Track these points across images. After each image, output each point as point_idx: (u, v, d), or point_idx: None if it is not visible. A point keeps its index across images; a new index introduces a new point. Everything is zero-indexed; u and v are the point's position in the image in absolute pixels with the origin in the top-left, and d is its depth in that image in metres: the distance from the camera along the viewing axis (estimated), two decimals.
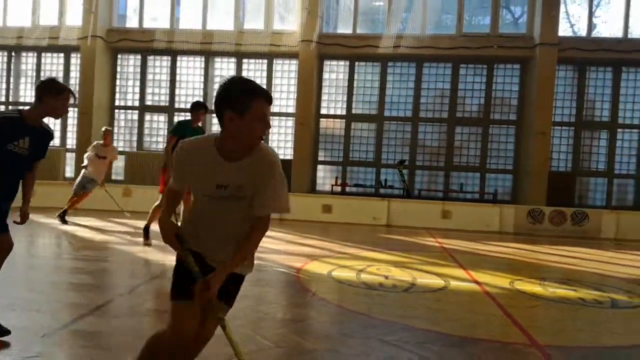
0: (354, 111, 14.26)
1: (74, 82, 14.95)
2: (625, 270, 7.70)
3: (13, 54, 15.19)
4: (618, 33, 13.08)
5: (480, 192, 13.35)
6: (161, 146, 14.54)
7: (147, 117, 14.89)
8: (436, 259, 7.37)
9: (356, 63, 14.23)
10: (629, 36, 13.03)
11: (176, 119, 14.55)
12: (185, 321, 2.42)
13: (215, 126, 14.60)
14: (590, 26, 13.37)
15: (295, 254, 7.32)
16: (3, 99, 15.33)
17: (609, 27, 13.57)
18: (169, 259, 6.51)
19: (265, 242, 8.02)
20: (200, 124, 7.39)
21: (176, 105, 14.67)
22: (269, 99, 2.35)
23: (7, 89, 15.31)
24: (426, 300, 5.28)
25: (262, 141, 2.40)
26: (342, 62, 14.33)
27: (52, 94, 3.56)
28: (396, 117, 14.09)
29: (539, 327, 4.73)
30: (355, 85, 14.26)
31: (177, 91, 14.71)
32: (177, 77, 14.72)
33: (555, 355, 3.87)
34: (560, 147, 13.28)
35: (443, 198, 12.87)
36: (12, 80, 15.32)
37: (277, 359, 3.54)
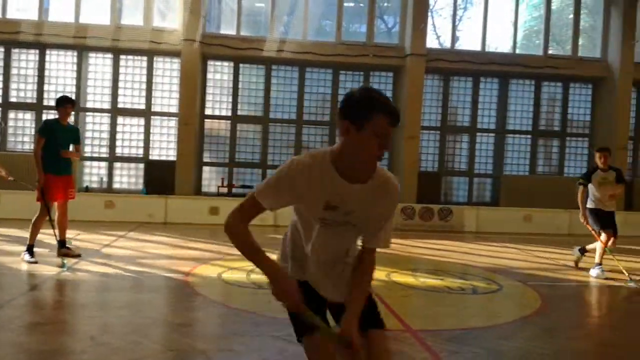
0: (239, 112, 14.34)
1: None
2: (484, 260, 8.75)
3: None
4: (477, 46, 14.65)
5: None
6: (27, 147, 13.44)
7: (12, 114, 13.65)
8: None
9: (241, 65, 14.32)
10: (486, 49, 14.66)
11: (45, 117, 13.55)
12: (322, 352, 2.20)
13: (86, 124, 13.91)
14: (454, 39, 14.82)
15: (183, 258, 7.30)
16: None
17: (470, 40, 15.15)
18: (47, 269, 6.19)
19: (149, 248, 7.93)
20: (70, 121, 7.02)
21: (45, 103, 13.60)
22: (393, 118, 2.08)
23: None
24: None
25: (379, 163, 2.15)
26: (226, 63, 14.33)
27: None
28: (281, 119, 14.43)
29: (412, 314, 5.31)
30: (240, 86, 14.34)
31: (46, 87, 13.66)
32: (47, 73, 13.68)
33: (427, 338, 4.41)
34: (428, 150, 14.58)
35: None
36: None
37: None
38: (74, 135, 7.11)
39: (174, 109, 14.02)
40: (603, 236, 7.42)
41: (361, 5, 14.75)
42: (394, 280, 6.66)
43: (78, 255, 6.92)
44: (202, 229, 9.97)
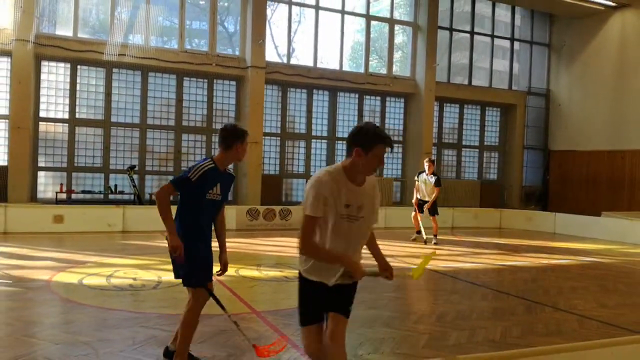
0: (77, 115, 14.04)
1: None
2: None
3: None
4: (310, 62, 16.34)
5: None
6: None
7: None
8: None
9: (79, 67, 14.02)
10: (318, 65, 16.43)
11: None
12: (314, 342, 3.23)
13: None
14: (290, 52, 16.32)
15: (37, 268, 7.40)
16: None
17: (304, 54, 16.78)
18: None
19: None
20: None
21: None
22: (389, 145, 3.08)
23: None
24: (173, 293, 6.41)
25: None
26: (62, 65, 13.91)
27: (240, 140, 3.94)
28: (123, 123, 14.46)
29: (257, 300, 6.42)
30: (78, 89, 14.04)
31: None
32: None
33: (267, 316, 5.55)
34: (270, 154, 15.91)
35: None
36: None
37: (59, 354, 4.21)
38: None
39: (4, 111, 13.23)
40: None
41: (203, 15, 15.48)
42: (242, 274, 7.69)
43: None
44: (47, 238, 9.82)
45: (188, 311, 3.95)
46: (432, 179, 11.45)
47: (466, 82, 18.71)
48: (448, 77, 18.21)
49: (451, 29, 18.29)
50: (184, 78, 15.03)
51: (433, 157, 13.16)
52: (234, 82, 15.58)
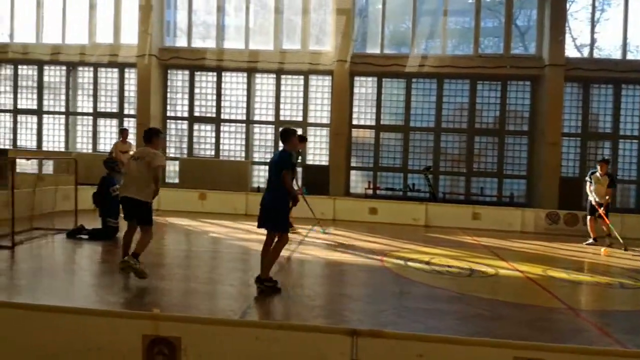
0: (382, 122, 15.93)
1: (128, 95, 16.58)
2: (632, 263, 9.39)
3: (71, 69, 16.75)
4: (617, 53, 14.81)
5: (498, 195, 15.10)
6: (209, 153, 16.22)
7: (196, 126, 16.49)
8: (479, 253, 8.99)
9: (383, 79, 15.89)
10: (627, 57, 14.77)
11: (223, 129, 16.24)
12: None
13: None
14: (592, 45, 15.09)
15: (368, 249, 8.94)
16: (63, 109, 16.89)
17: (609, 45, 15.27)
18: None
19: (349, 239, 9.48)
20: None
21: (222, 117, 16.29)
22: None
23: (67, 101, 16.87)
24: (486, 282, 6.97)
25: None
26: (370, 79, 15.99)
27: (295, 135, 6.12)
28: (420, 127, 15.77)
29: (569, 297, 6.45)
30: (383, 99, 15.93)
31: (222, 104, 16.33)
32: (222, 92, 16.33)
33: (584, 315, 5.59)
34: (568, 156, 15.06)
35: (465, 201, 14.61)
36: (70, 93, 16.88)
37: (399, 318, 5.20)
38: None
39: (326, 120, 15.99)
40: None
41: (497, 18, 15.65)
42: (550, 275, 7.73)
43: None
44: (364, 226, 11.62)
45: (277, 248, 5.86)
46: (606, 179, 10.65)
47: None
48: None
49: None
50: (478, 82, 15.48)
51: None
52: (528, 83, 15.29)
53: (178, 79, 16.53)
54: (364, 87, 16.07)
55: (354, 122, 16.00)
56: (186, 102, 16.45)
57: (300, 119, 16.07)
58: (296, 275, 7.10)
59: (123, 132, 12.62)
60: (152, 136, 6.60)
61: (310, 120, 16.12)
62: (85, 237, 8.76)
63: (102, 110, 16.79)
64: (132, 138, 15.98)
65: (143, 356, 3.07)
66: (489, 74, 15.14)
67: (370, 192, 15.37)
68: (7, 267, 6.87)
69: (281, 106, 16.15)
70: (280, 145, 6.28)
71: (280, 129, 6.53)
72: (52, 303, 3.95)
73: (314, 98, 16.13)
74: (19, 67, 17.03)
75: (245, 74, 16.16)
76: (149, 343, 3.06)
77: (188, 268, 7.45)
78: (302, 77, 15.99)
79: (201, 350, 3.09)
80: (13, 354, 3.16)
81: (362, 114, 16.06)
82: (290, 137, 6.06)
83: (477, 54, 15.21)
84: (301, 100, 16.08)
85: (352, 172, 16.05)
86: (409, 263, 7.82)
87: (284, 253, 7.61)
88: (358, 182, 16.05)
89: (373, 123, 15.96)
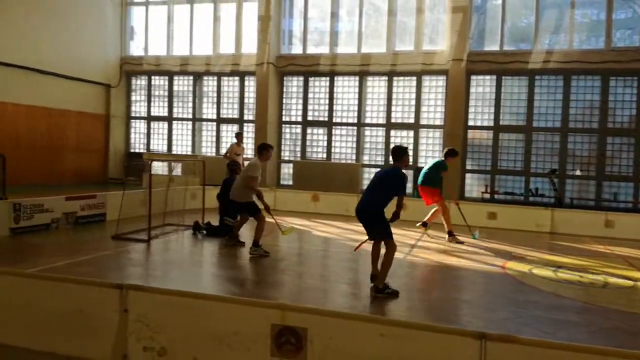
0: (501, 122, 15.15)
1: (247, 101, 17.47)
2: None
3: (197, 78, 18.07)
4: None
5: (633, 201, 13.63)
6: (320, 156, 16.55)
7: (309, 130, 16.93)
8: (614, 263, 8.13)
9: (503, 77, 15.11)
10: None
11: (334, 132, 16.49)
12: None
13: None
14: None
15: (489, 255, 8.51)
16: (190, 115, 18.27)
17: None
18: None
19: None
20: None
21: (334, 120, 16.55)
22: None
23: (194, 108, 18.22)
24: (623, 294, 6.29)
25: None
26: (488, 77, 15.29)
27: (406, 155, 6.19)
28: (544, 127, 14.75)
29: None
30: (502, 97, 15.14)
31: (334, 107, 16.59)
32: (335, 95, 16.60)
33: None
34: None
35: (595, 207, 13.37)
36: (196, 100, 18.21)
37: (518, 326, 4.87)
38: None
39: (439, 122, 15.58)
40: None
41: (632, 8, 14.18)
42: None
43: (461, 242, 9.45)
44: (483, 231, 11.04)
45: (388, 254, 5.76)
46: None
47: None
48: None
49: None
50: (610, 78, 14.15)
51: None
52: None
53: (293, 84, 17.10)
54: (481, 85, 15.40)
55: (470, 122, 15.39)
56: (300, 106, 16.95)
57: (412, 120, 15.83)
58: (412, 279, 6.96)
59: (238, 136, 13.26)
60: (262, 150, 7.96)
61: (423, 121, 15.81)
62: (204, 232, 9.37)
63: (224, 116, 17.88)
64: (249, 142, 16.89)
65: (272, 343, 3.17)
66: (623, 68, 13.77)
67: (487, 196, 14.68)
68: (144, 258, 7.53)
69: (392, 108, 16.03)
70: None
71: (393, 146, 6.49)
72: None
73: (427, 99, 15.80)
74: (152, 77, 18.71)
75: (357, 78, 16.29)
76: (277, 331, 3.16)
77: (302, 265, 7.64)
78: (414, 78, 15.75)
79: (327, 342, 3.12)
80: (172, 333, 3.45)
81: (479, 114, 15.41)
82: (404, 155, 6.14)
83: (610, 48, 13.91)
84: (413, 102, 15.84)
85: (467, 175, 15.46)
86: (534, 271, 7.29)
87: (400, 256, 7.53)
88: (473, 185, 15.42)
89: (491, 124, 15.24)
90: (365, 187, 15.62)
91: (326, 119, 16.68)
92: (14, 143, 14.81)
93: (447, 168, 9.93)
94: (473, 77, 15.31)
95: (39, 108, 15.70)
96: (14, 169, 13.55)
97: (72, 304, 3.64)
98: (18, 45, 14.74)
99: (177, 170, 15.16)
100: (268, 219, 7.78)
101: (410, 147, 15.82)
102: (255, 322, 3.23)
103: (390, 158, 6.28)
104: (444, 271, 7.36)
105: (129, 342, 3.52)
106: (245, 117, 17.55)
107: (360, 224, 6.00)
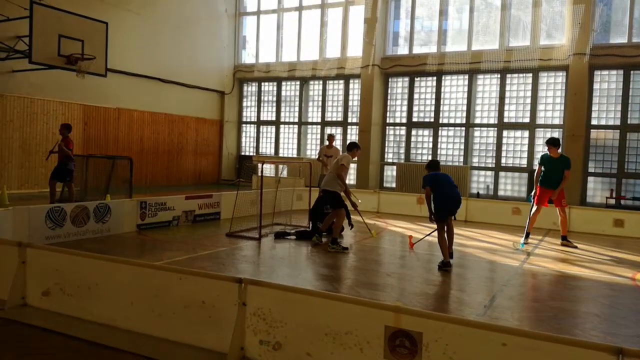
0: (629, 121, 13.78)
1: (352, 104, 17.57)
2: None
3: (304, 83, 18.53)
4: None
5: None
6: (425, 158, 16.15)
7: (414, 132, 16.63)
8: None
9: (632, 72, 13.74)
10: None
11: (441, 133, 16.03)
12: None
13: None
14: None
15: (617, 265, 7.78)
16: (296, 119, 18.78)
17: None
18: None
19: (579, 253, 8.51)
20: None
21: (441, 121, 16.09)
22: None
23: (300, 112, 18.71)
24: None
25: None
26: (614, 72, 13.99)
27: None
28: None
29: None
30: (631, 94, 13.78)
31: (441, 107, 16.14)
32: (442, 95, 16.14)
33: None
34: None
35: None
36: (302, 104, 18.68)
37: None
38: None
39: (557, 121, 14.53)
40: None
41: None
42: None
43: (575, 247, 8.95)
44: (608, 239, 10.13)
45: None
46: None
47: None
48: None
49: None
50: None
51: None
52: None
53: (398, 85, 16.92)
54: (606, 81, 14.14)
55: (593, 122, 14.19)
56: (405, 108, 16.72)
57: (527, 120, 14.94)
58: (530, 288, 6.53)
59: (330, 138, 13.18)
60: (352, 147, 8.54)
61: (539, 121, 14.86)
62: (293, 237, 9.09)
63: (329, 119, 18.14)
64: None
65: (385, 345, 3.11)
66: None
67: (612, 201, 13.41)
68: (255, 255, 7.83)
69: (505, 107, 15.24)
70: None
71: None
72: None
73: (544, 97, 14.83)
74: (262, 83, 19.51)
75: (466, 76, 15.71)
76: (391, 334, 3.10)
77: (406, 268, 7.47)
78: (530, 74, 14.86)
79: (444, 348, 3.00)
80: (287, 328, 3.55)
81: (604, 112, 14.15)
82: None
83: None
84: (528, 100, 14.94)
85: (590, 179, 14.24)
86: None
87: (515, 263, 7.11)
88: (596, 190, 14.17)
89: (617, 123, 13.93)
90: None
91: (432, 119, 16.28)
92: (139, 147, 16.21)
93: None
94: (597, 73, 14.10)
95: (161, 114, 17.04)
96: (139, 170, 14.80)
97: (195, 295, 3.85)
98: (142, 56, 16.13)
99: (284, 172, 15.65)
100: (356, 218, 7.76)
101: (525, 147, 14.95)
102: (369, 323, 3.19)
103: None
104: (566, 281, 6.81)
105: (247, 335, 3.65)
106: (349, 120, 17.67)
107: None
